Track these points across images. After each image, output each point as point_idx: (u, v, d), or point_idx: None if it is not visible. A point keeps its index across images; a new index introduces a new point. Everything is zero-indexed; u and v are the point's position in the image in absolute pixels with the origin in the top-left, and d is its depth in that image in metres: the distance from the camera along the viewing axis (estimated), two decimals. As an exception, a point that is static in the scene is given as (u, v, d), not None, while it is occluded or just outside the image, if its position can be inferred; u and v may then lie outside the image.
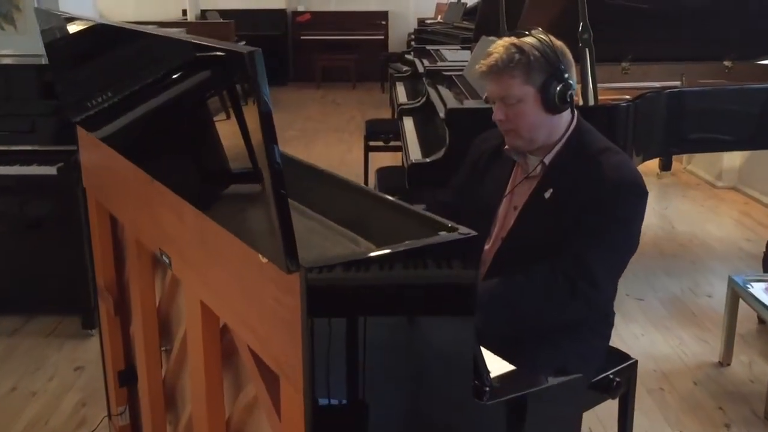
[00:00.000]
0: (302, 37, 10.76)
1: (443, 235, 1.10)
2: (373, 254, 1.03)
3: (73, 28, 1.73)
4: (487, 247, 1.99)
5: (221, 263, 1.27)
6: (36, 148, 3.12)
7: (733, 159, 5.43)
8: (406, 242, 1.07)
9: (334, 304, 1.02)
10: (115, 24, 1.59)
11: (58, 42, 1.89)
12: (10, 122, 3.17)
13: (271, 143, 0.93)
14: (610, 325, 2.03)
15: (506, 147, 1.96)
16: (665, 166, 4.50)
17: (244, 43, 9.20)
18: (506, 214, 1.97)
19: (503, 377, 1.39)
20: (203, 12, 10.29)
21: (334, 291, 1.02)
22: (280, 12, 10.68)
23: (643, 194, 1.84)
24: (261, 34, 9.99)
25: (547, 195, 1.88)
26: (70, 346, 3.14)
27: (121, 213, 1.90)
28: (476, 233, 1.12)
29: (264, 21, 10.49)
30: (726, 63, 3.95)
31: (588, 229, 1.80)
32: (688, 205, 5.14)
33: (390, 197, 1.27)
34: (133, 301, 1.90)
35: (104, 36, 1.59)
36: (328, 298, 1.01)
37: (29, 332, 3.27)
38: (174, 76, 1.23)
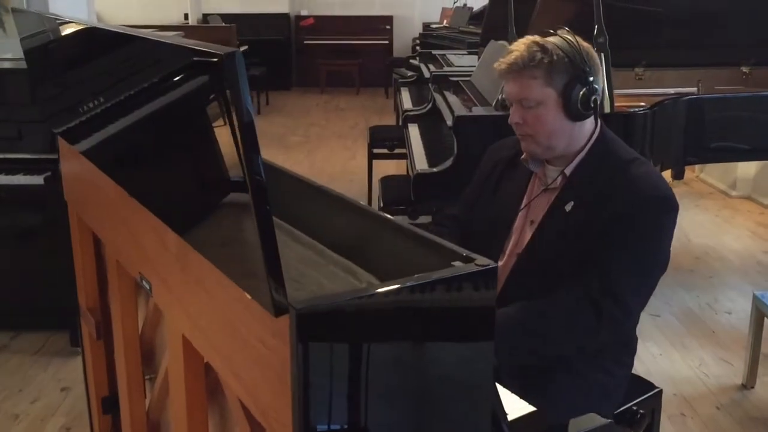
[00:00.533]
0: (305, 42, 10.61)
1: (458, 267, 0.95)
2: (376, 292, 0.87)
3: (53, 29, 1.58)
4: (500, 263, 1.84)
5: (204, 294, 1.12)
6: (22, 156, 2.98)
7: (747, 168, 5.26)
8: (415, 276, 0.91)
9: (331, 352, 0.86)
10: (92, 26, 1.44)
11: (37, 46, 1.74)
12: (-5, 129, 3.02)
13: (254, 155, 0.79)
14: (633, 351, 1.87)
15: (523, 157, 1.82)
16: (677, 175, 4.36)
17: (245, 47, 9.00)
18: (522, 229, 1.83)
19: (522, 422, 1.23)
20: (205, 16, 10.16)
21: (329, 335, 0.86)
22: (283, 16, 10.53)
23: (674, 208, 1.68)
24: (264, 39, 9.88)
25: (568, 208, 1.74)
26: (56, 364, 2.99)
27: (101, 230, 1.74)
28: (496, 264, 0.96)
29: (267, 25, 10.36)
30: (744, 69, 3.78)
31: (614, 245, 1.65)
32: (701, 215, 4.97)
33: (396, 219, 1.11)
34: (114, 326, 1.75)
35: (83, 39, 1.44)
36: (324, 344, 0.85)
37: (16, 349, 3.11)
38: (150, 83, 1.08)
